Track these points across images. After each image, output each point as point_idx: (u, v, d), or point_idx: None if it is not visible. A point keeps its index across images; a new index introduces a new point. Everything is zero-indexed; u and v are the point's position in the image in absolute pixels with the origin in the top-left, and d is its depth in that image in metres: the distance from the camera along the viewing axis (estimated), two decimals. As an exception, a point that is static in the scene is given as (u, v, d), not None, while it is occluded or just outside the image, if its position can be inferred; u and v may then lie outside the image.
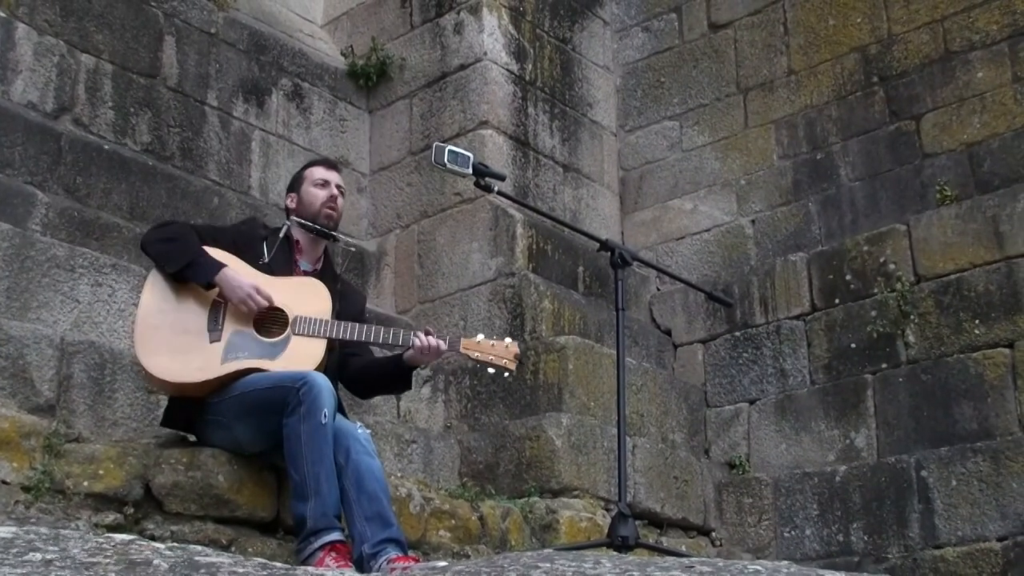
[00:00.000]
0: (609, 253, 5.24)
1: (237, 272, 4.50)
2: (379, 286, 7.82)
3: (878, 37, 7.66)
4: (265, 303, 4.46)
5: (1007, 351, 6.43)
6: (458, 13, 8.01)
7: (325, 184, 4.92)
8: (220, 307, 4.52)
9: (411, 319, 7.36)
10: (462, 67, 7.90)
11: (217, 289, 4.49)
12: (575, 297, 7.45)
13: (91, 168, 6.43)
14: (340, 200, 4.93)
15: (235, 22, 7.64)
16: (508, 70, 7.94)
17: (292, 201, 4.94)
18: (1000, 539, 6.10)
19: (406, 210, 7.91)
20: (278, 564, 2.83)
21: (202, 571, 2.51)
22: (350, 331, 4.57)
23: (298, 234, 4.87)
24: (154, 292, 4.51)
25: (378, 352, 5.12)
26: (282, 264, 4.73)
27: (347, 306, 4.72)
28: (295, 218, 4.87)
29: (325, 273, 4.89)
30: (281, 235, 4.82)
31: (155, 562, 2.52)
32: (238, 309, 4.47)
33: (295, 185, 5.00)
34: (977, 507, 6.20)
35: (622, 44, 8.91)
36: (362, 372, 4.84)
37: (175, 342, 4.43)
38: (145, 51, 7.03)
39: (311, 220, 4.85)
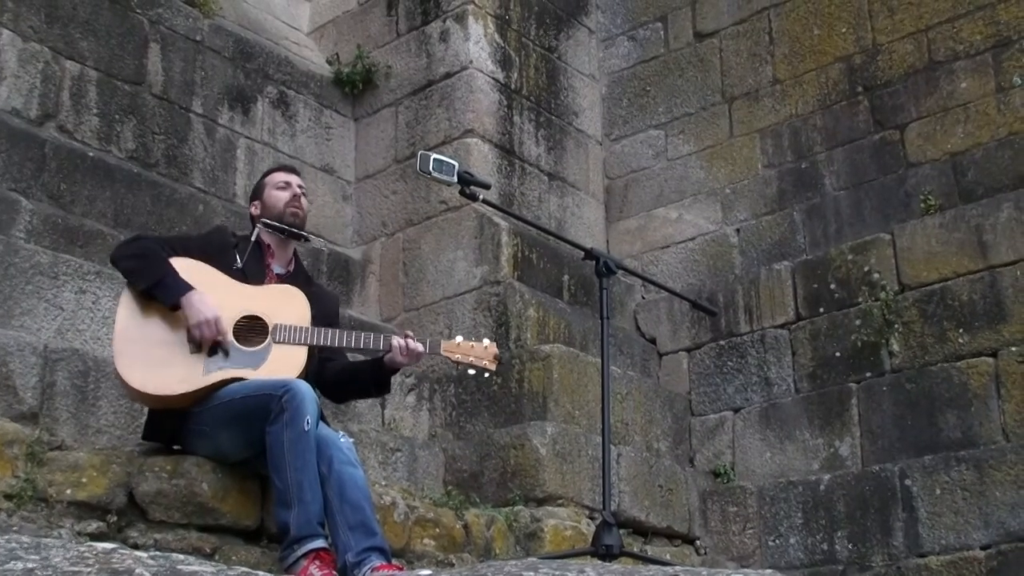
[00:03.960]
0: (594, 262, 5.25)
1: (203, 299, 4.46)
2: (364, 294, 7.82)
3: (863, 47, 7.69)
4: (215, 338, 4.44)
5: (991, 360, 6.44)
6: (444, 21, 8.02)
7: (287, 186, 4.98)
8: None
9: (396, 327, 7.34)
10: (448, 75, 7.90)
11: None
12: (560, 306, 7.45)
13: (75, 175, 6.41)
14: (303, 200, 4.99)
15: (220, 29, 7.63)
16: (494, 78, 7.94)
17: (256, 208, 4.99)
18: (984, 547, 6.11)
19: (391, 218, 7.90)
20: (261, 573, 2.82)
21: (185, 579, 2.50)
22: (330, 337, 4.59)
23: (268, 238, 4.90)
24: (130, 306, 4.49)
25: (352, 356, 5.11)
26: (255, 269, 4.75)
27: (321, 309, 4.73)
28: (264, 220, 4.89)
29: (297, 276, 4.94)
30: (252, 240, 4.83)
31: (137, 571, 2.51)
32: (193, 332, 4.45)
33: (257, 193, 5.06)
34: (961, 516, 6.22)
35: (608, 53, 8.92)
36: (338, 376, 4.84)
37: (155, 355, 4.42)
38: (130, 58, 7.02)
39: (277, 221, 4.87)
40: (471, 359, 4.67)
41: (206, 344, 4.44)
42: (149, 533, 4.31)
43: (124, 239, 4.93)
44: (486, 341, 4.75)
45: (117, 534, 4.25)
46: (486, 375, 4.81)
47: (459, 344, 4.69)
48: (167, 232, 6.54)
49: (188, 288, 4.46)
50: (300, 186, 5.02)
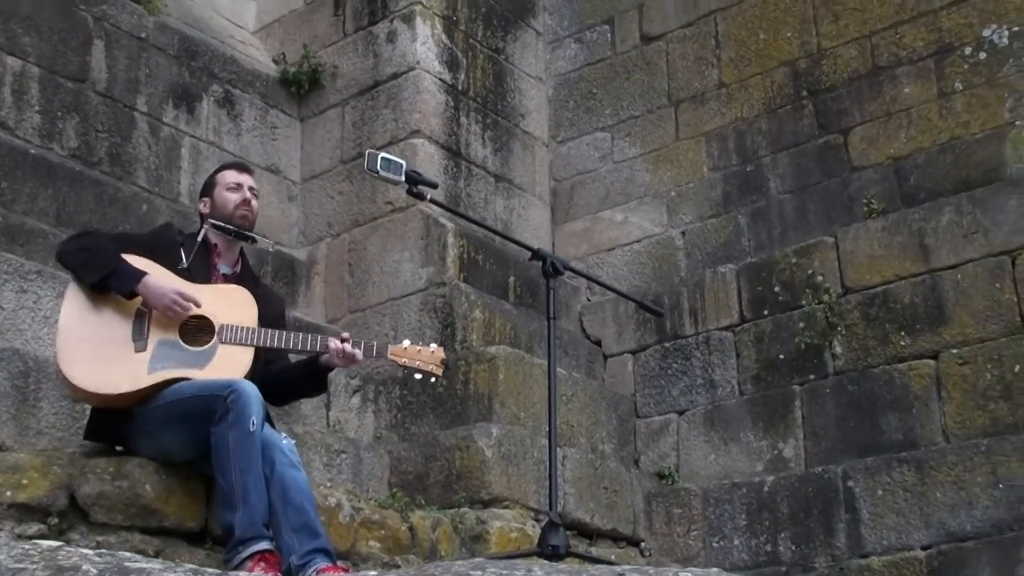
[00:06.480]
0: (540, 262, 5.24)
1: (159, 279, 4.44)
2: (309, 295, 7.78)
3: (808, 52, 7.76)
4: (191, 308, 4.42)
5: (932, 362, 6.52)
6: (391, 21, 7.99)
7: (238, 187, 4.90)
8: (145, 316, 4.45)
9: (341, 328, 7.28)
10: (395, 76, 7.88)
11: (140, 298, 4.43)
12: (506, 307, 7.45)
13: (16, 173, 6.32)
14: (254, 202, 4.92)
15: (166, 27, 7.57)
16: (441, 79, 7.93)
17: (205, 206, 4.92)
18: (924, 548, 6.18)
19: (337, 219, 7.87)
20: (209, 570, 2.80)
21: (131, 578, 2.48)
22: (275, 338, 4.56)
23: (215, 237, 4.84)
24: (75, 303, 4.43)
25: (294, 358, 5.08)
26: (201, 268, 4.69)
27: (268, 311, 4.68)
28: (212, 221, 4.84)
29: (244, 276, 4.88)
30: (199, 239, 4.78)
31: (84, 568, 2.48)
32: (163, 317, 4.42)
33: (208, 190, 4.98)
34: (902, 516, 6.28)
35: (555, 55, 8.94)
36: (278, 377, 4.79)
37: (100, 353, 4.36)
38: (73, 55, 6.94)
39: (226, 222, 4.82)
40: (418, 363, 4.64)
41: (179, 318, 4.39)
42: (91, 535, 4.26)
43: (69, 235, 4.85)
44: (433, 346, 4.71)
45: (59, 536, 4.18)
46: (432, 380, 4.79)
47: (406, 348, 4.65)
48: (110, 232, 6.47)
49: (143, 274, 4.41)
50: (252, 188, 4.94)
